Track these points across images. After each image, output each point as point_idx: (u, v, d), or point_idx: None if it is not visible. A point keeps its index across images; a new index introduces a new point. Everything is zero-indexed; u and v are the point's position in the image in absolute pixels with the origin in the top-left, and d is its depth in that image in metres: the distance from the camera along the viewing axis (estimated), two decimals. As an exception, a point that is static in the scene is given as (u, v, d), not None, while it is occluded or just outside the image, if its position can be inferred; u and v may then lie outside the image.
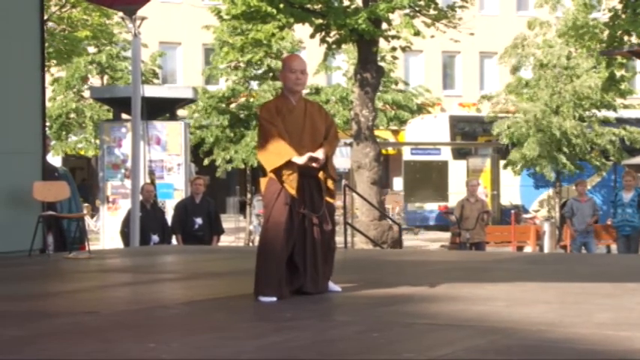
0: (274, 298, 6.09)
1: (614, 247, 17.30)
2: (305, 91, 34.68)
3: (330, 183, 6.36)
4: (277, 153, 6.13)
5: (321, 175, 6.32)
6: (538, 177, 25.08)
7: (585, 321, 5.18)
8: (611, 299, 6.15)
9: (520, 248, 18.85)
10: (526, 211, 25.39)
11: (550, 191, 25.59)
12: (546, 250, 18.62)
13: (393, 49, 19.50)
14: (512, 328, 4.90)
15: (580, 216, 15.98)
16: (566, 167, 23.47)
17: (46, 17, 14.87)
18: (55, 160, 27.01)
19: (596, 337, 4.64)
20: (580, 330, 4.84)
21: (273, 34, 18.77)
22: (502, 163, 24.13)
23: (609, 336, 4.66)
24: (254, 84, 30.26)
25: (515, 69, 24.65)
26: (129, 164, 15.33)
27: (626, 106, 25.19)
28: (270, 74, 33.21)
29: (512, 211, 21.19)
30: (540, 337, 4.64)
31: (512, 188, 25.41)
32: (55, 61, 23.45)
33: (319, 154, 6.18)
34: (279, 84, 33.04)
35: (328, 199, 6.37)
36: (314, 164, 6.18)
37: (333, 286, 6.56)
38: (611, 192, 23.76)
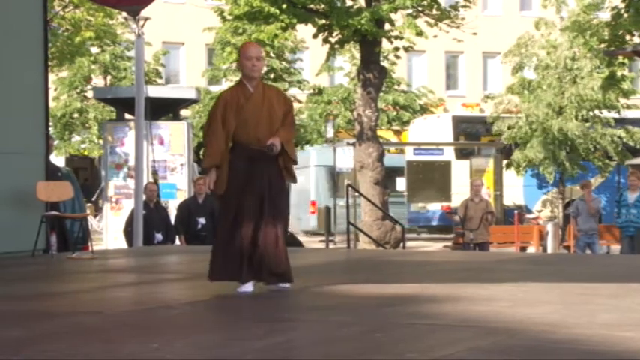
0: (248, 288, 6.37)
1: (613, 247, 17.32)
2: (308, 91, 34.89)
3: (289, 166, 6.59)
4: (206, 156, 6.56)
5: (280, 159, 6.52)
6: (541, 177, 25.05)
7: (589, 321, 5.18)
8: (615, 299, 6.14)
9: (523, 248, 18.84)
10: (529, 212, 25.37)
11: (553, 192, 25.56)
12: (549, 250, 18.61)
13: (396, 49, 19.49)
14: (515, 328, 4.89)
15: (584, 216, 15.99)
16: (568, 168, 23.45)
17: (49, 17, 14.87)
18: (58, 160, 27.01)
19: (599, 337, 4.63)
20: (583, 330, 4.83)
21: (276, 36, 18.77)
22: (504, 163, 24.10)
23: (613, 336, 4.65)
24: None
25: (516, 69, 24.62)
26: (131, 163, 15.32)
27: (629, 107, 25.16)
28: (272, 75, 33.22)
29: (516, 212, 21.17)
30: (543, 338, 4.64)
31: (516, 188, 25.38)
32: (57, 62, 23.43)
33: (275, 141, 6.40)
34: (280, 85, 33.08)
35: (288, 180, 6.64)
36: (271, 152, 6.41)
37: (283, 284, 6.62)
38: (615, 193, 23.74)
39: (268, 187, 6.43)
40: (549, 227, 19.40)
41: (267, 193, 6.42)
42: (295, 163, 6.67)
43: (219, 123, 6.45)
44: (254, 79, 6.58)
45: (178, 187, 16.68)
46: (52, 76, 25.36)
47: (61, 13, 22.13)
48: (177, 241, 12.89)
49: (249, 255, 6.37)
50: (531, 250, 18.78)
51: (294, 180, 6.72)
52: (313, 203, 26.24)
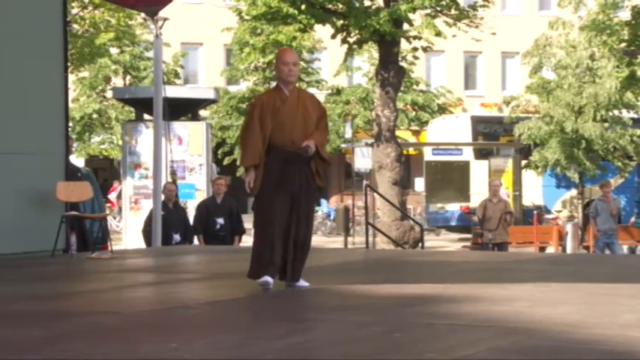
0: (269, 279, 6.53)
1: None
2: (326, 92, 34.82)
3: (320, 168, 6.79)
4: (246, 155, 6.66)
5: (312, 162, 6.73)
6: (560, 177, 24.94)
7: (609, 322, 5.14)
8: (636, 300, 6.09)
9: (542, 249, 18.75)
10: (548, 212, 25.25)
11: (573, 192, 25.44)
12: (569, 250, 18.52)
13: (415, 49, 19.42)
14: (535, 328, 4.86)
15: (604, 216, 15.91)
16: (587, 168, 23.33)
17: (68, 18, 14.92)
18: (78, 161, 27.12)
19: (620, 338, 4.60)
20: (604, 331, 4.79)
21: (295, 38, 18.73)
22: (523, 163, 24.00)
23: (634, 337, 4.61)
24: (274, 84, 30.28)
25: (535, 69, 24.50)
26: (150, 164, 15.34)
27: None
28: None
29: (535, 212, 21.08)
30: (564, 338, 4.61)
31: (535, 189, 25.27)
32: (77, 62, 23.50)
33: (310, 143, 6.60)
34: (298, 85, 33.06)
35: (319, 182, 6.80)
36: (306, 154, 6.62)
37: (302, 282, 6.78)
38: (635, 193, 23.55)
39: (299, 188, 6.64)
40: (569, 227, 19.31)
41: (298, 194, 6.62)
42: (328, 164, 6.90)
43: (257, 124, 6.63)
44: (290, 84, 6.83)
45: (197, 187, 16.70)
46: (71, 77, 25.46)
47: (80, 14, 22.19)
48: (196, 241, 12.90)
49: (279, 253, 6.57)
50: (551, 250, 18.69)
51: (323, 184, 6.92)
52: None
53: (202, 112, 24.74)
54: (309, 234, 6.78)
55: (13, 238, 9.92)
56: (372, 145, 20.19)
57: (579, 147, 23.22)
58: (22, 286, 7.59)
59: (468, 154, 26.51)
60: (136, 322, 5.37)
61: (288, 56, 6.87)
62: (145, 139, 16.53)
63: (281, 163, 6.61)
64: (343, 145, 31.23)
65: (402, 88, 26.56)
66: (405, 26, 18.26)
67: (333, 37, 18.45)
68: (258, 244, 6.61)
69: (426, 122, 32.94)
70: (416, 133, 35.35)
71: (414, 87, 34.89)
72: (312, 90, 33.88)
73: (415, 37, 18.29)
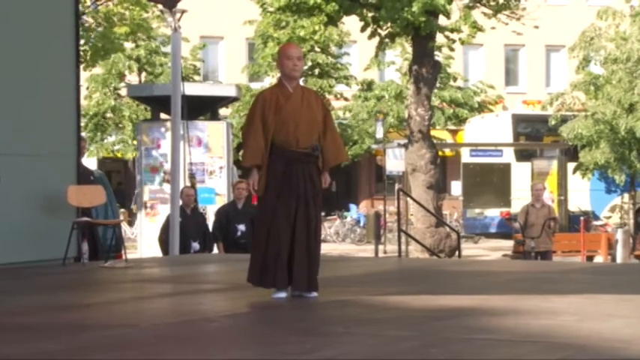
0: (282, 294, 6.73)
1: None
2: (357, 87, 34.73)
3: (325, 171, 6.89)
4: (248, 155, 6.75)
5: (319, 161, 6.85)
6: (610, 181, 24.81)
7: (663, 337, 5.12)
8: (691, 314, 6.07)
9: (590, 258, 18.68)
10: (597, 218, 25.12)
11: (624, 196, 25.29)
12: (619, 260, 18.42)
13: (452, 41, 19.39)
14: (583, 344, 4.86)
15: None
16: (638, 170, 23.19)
17: (80, 12, 15.03)
18: (90, 162, 27.32)
19: (674, 354, 4.59)
20: (657, 347, 4.78)
21: (315, 32, 18.78)
22: (571, 167, 23.88)
23: (689, 354, 4.60)
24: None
25: (582, 64, 24.37)
26: (168, 167, 15.43)
27: None
28: (317, 70, 33.25)
29: (582, 218, 20.99)
30: (614, 355, 4.60)
31: (582, 193, 25.16)
32: (91, 59, 23.65)
33: (326, 179, 6.85)
34: (326, 81, 33.10)
35: (324, 184, 6.91)
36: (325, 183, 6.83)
37: (312, 292, 6.84)
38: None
39: (305, 192, 6.73)
40: (619, 235, 19.21)
41: (304, 197, 6.72)
42: (343, 160, 7.06)
43: (260, 122, 6.74)
44: (294, 80, 6.96)
45: (217, 191, 16.77)
46: (84, 74, 25.61)
47: (93, 6, 22.35)
48: (216, 249, 12.95)
49: (285, 261, 6.66)
50: (599, 259, 18.61)
51: (326, 185, 6.95)
52: None
53: (223, 111, 24.83)
54: (318, 240, 6.85)
55: (21, 245, 9.98)
56: (405, 145, 20.21)
57: (632, 147, 23.07)
58: (33, 297, 7.66)
59: (508, 156, 26.46)
60: (154, 336, 5.42)
61: (292, 50, 7.00)
62: (163, 140, 16.62)
63: (285, 165, 6.71)
64: (374, 146, 31.24)
65: (437, 84, 26.55)
66: (441, 19, 18.22)
67: (363, 30, 18.46)
68: (263, 252, 6.70)
69: (465, 120, 32.88)
70: (453, 132, 35.30)
71: (451, 83, 34.84)
72: (340, 87, 33.93)
73: (453, 31, 18.25)
